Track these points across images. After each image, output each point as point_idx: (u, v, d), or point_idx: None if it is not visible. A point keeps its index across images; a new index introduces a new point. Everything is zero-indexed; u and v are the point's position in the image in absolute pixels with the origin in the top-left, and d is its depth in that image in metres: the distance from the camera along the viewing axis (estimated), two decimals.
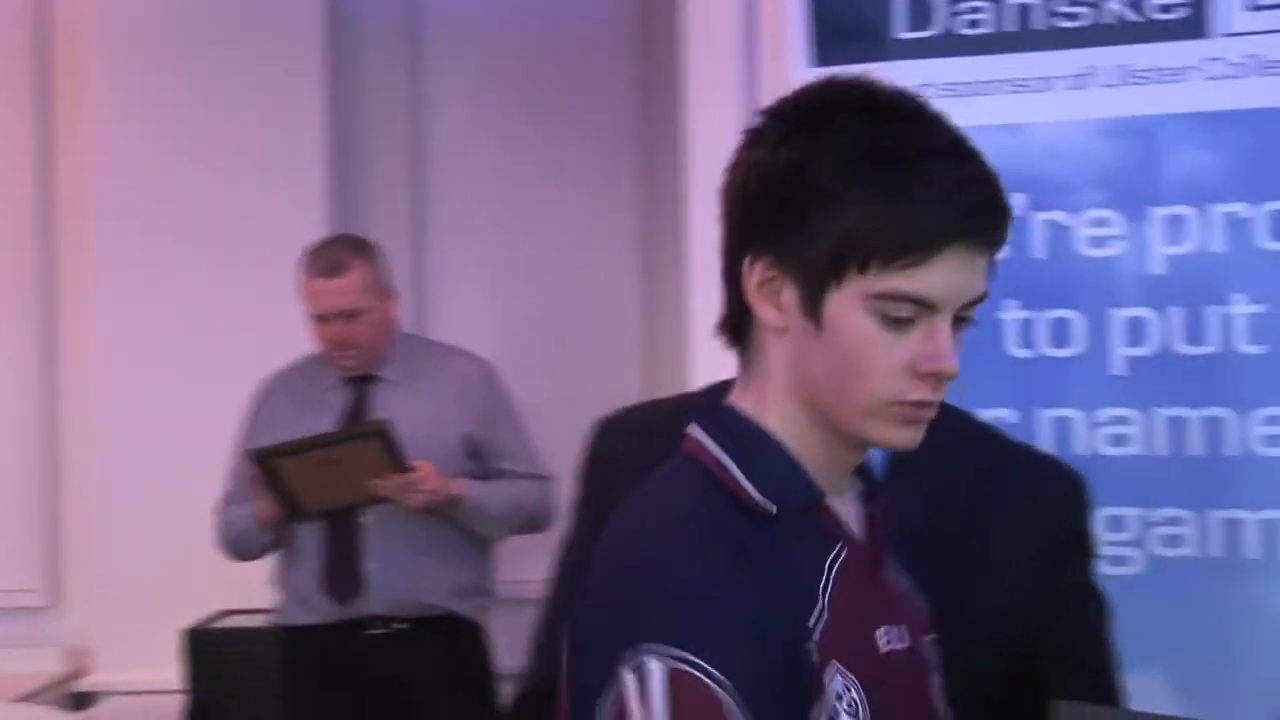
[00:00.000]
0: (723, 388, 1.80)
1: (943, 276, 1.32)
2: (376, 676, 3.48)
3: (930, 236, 1.31)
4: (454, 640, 3.57)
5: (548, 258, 4.50)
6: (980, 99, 2.38)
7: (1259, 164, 2.26)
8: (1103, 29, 2.32)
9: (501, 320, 4.48)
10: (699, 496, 1.38)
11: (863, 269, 1.32)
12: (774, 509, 1.36)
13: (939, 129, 1.36)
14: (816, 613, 1.33)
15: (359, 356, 3.53)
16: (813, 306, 1.35)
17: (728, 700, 1.27)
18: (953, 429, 1.61)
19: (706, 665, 1.27)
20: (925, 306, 1.33)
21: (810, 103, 1.39)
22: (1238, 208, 2.26)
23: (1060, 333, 2.33)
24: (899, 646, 1.39)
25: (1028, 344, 2.35)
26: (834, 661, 1.32)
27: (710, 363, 1.81)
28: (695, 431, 1.44)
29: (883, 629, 1.38)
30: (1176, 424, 2.28)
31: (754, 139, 1.39)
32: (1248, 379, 2.25)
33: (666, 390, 2.55)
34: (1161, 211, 2.30)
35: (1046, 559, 1.62)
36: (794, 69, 2.50)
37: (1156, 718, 1.42)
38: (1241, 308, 2.26)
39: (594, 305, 4.54)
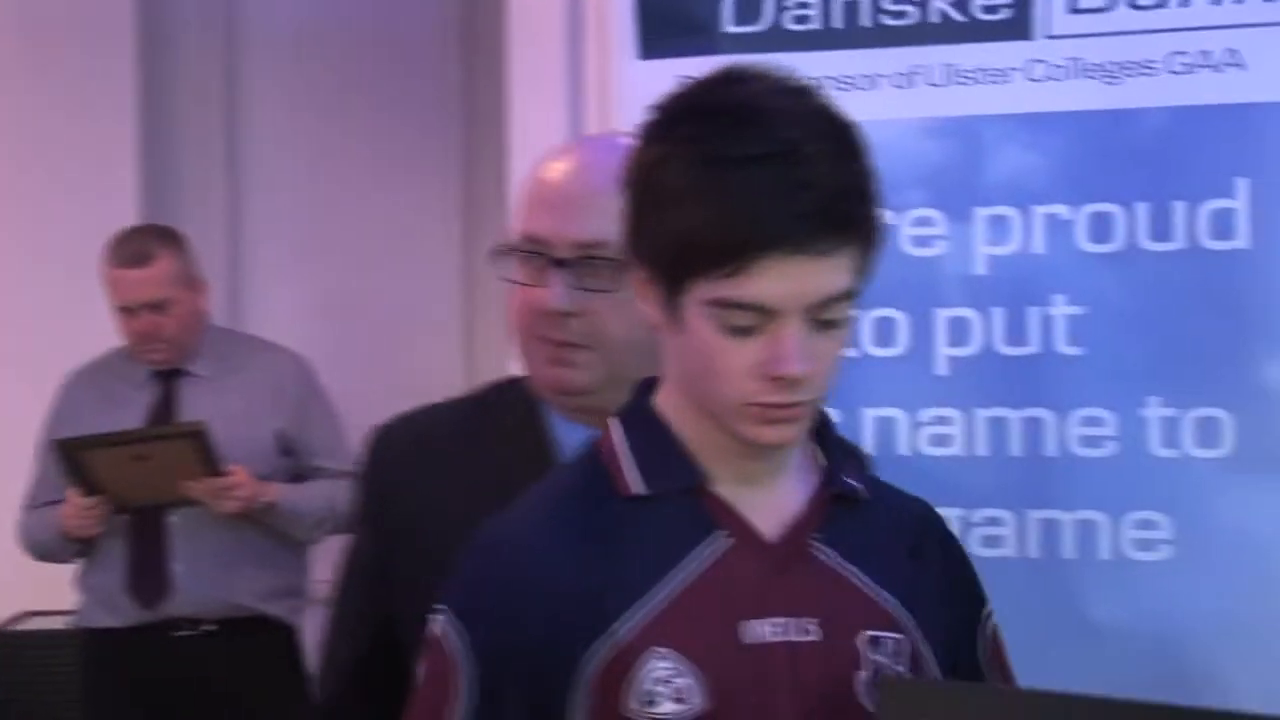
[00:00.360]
0: (503, 386, 1.78)
1: (772, 282, 1.32)
2: (183, 680, 3.40)
3: (745, 244, 1.31)
4: (265, 642, 3.48)
5: (367, 253, 4.45)
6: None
7: (1080, 166, 2.27)
8: (928, 28, 2.32)
9: (318, 315, 4.40)
10: (575, 475, 1.46)
11: (697, 276, 1.34)
12: (645, 490, 1.41)
13: (779, 132, 1.33)
14: (647, 598, 1.36)
15: (167, 350, 3.43)
16: (671, 309, 1.37)
17: (459, 664, 1.38)
18: None
19: (457, 629, 1.39)
20: (763, 312, 1.33)
21: (674, 101, 1.40)
22: (1059, 209, 2.27)
23: (883, 332, 2.33)
24: (787, 639, 1.38)
25: (851, 343, 2.33)
26: (656, 647, 1.35)
27: None
28: (611, 418, 1.48)
29: (759, 621, 1.37)
30: (997, 424, 2.29)
31: (640, 135, 1.41)
32: (1067, 380, 2.27)
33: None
34: (984, 212, 2.30)
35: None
36: (622, 63, 2.46)
37: (988, 689, 1.40)
38: (1061, 309, 2.27)
39: (414, 300, 4.49)
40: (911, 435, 2.31)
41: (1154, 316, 2.24)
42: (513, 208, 1.79)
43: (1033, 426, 2.27)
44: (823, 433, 1.48)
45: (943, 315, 2.31)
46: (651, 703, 1.35)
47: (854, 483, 1.46)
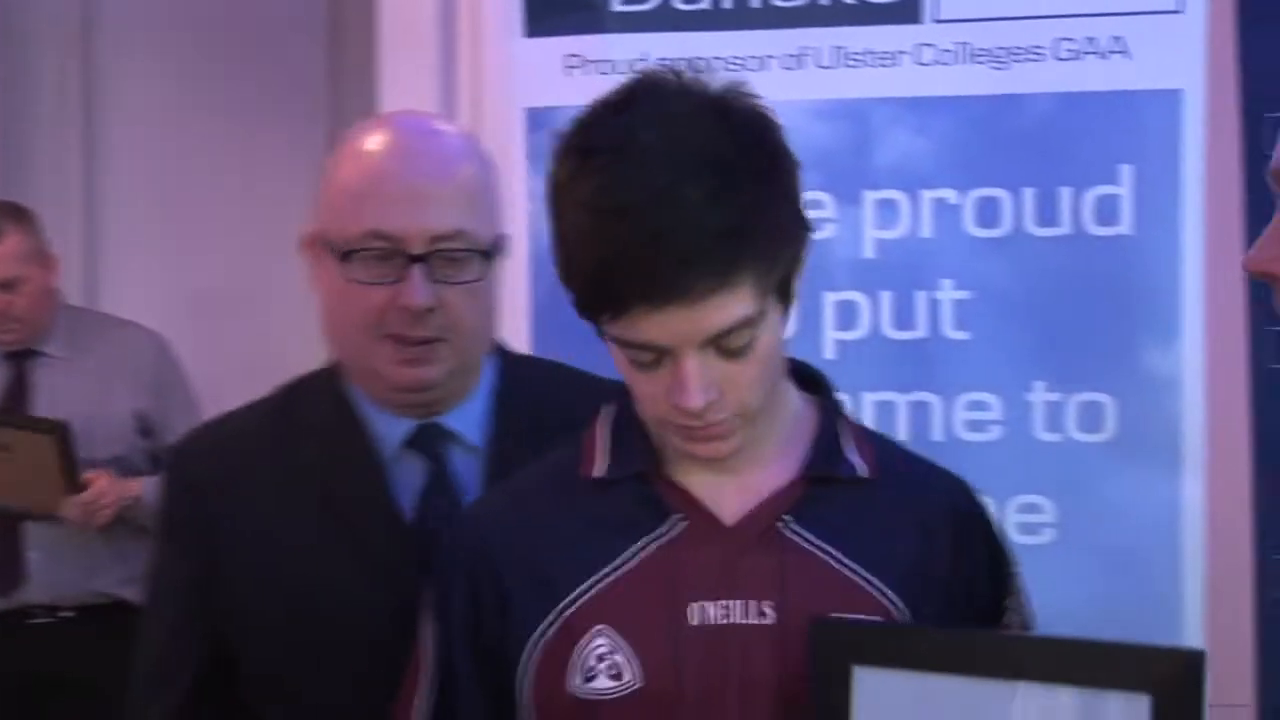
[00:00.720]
0: (303, 384, 1.75)
1: (655, 327, 1.32)
2: (40, 667, 3.28)
3: (620, 296, 1.32)
4: (124, 628, 3.36)
5: (227, 235, 4.34)
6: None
7: (968, 151, 2.28)
8: (818, 10, 2.31)
9: (177, 296, 4.29)
10: (557, 458, 1.51)
11: (591, 316, 1.35)
12: (605, 473, 1.45)
13: (651, 177, 1.30)
14: (595, 578, 1.41)
15: (18, 330, 3.31)
16: (598, 331, 1.38)
17: (428, 648, 1.49)
18: (551, 377, 1.78)
19: (430, 613, 1.49)
20: (658, 349, 1.33)
21: (572, 129, 1.37)
22: (947, 194, 2.28)
23: None
24: (736, 622, 1.39)
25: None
26: (600, 625, 1.40)
27: None
28: (603, 407, 1.51)
29: (710, 604, 1.39)
30: (884, 408, 2.30)
31: (552, 155, 1.39)
32: (953, 364, 2.28)
33: None
34: (873, 195, 2.30)
35: None
36: (508, 41, 2.42)
37: (922, 629, 1.40)
38: (949, 293, 2.28)
39: (273, 281, 4.38)
40: None
41: (1040, 302, 2.26)
42: (333, 203, 1.66)
43: (919, 410, 2.28)
44: (823, 416, 1.47)
45: (831, 298, 2.31)
46: (590, 679, 1.38)
47: (854, 463, 1.45)
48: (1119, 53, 2.24)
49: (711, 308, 1.31)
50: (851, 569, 1.42)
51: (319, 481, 1.69)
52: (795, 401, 1.48)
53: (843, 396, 2.23)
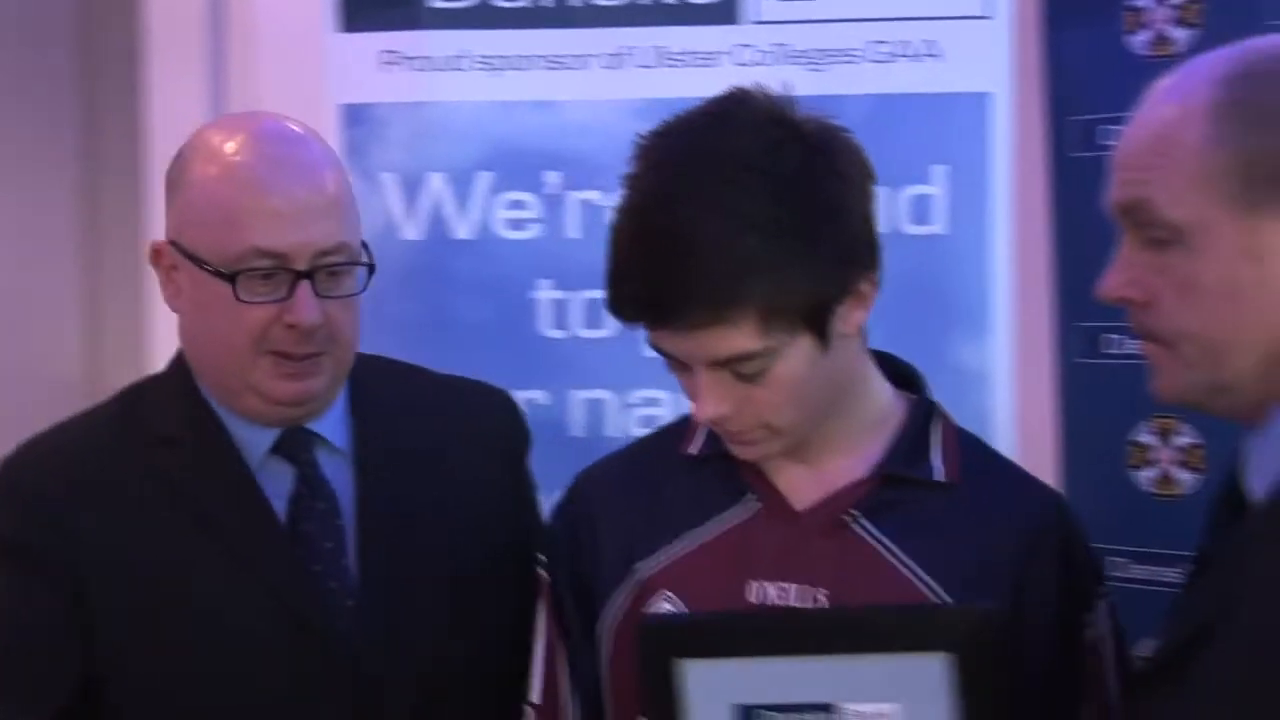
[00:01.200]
0: (140, 394, 1.73)
1: (663, 340, 1.43)
2: None
3: (618, 310, 1.44)
4: None
5: None
6: (515, 74, 2.34)
7: None
8: (638, 9, 2.32)
9: None
10: (662, 432, 1.65)
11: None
12: (697, 452, 1.55)
13: (648, 199, 1.41)
14: (670, 545, 1.52)
15: None
16: None
17: (547, 580, 1.60)
18: (391, 374, 1.82)
19: (542, 556, 1.62)
20: (679, 360, 1.44)
21: (639, 143, 1.50)
22: None
23: (594, 314, 2.32)
24: (791, 604, 1.47)
25: (561, 325, 2.33)
26: (664, 590, 1.50)
27: (170, 345, 1.75)
28: None
29: (768, 583, 1.47)
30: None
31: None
32: None
33: (113, 375, 2.62)
34: None
35: (512, 468, 1.84)
36: (323, 36, 2.38)
37: (743, 617, 1.45)
38: None
39: (28, 291, 4.25)
40: (621, 416, 2.32)
41: None
42: (204, 218, 1.63)
43: None
44: (912, 415, 1.54)
45: None
46: None
47: (935, 466, 1.51)
48: (931, 56, 2.29)
49: (711, 338, 1.39)
50: (912, 570, 1.47)
51: (186, 494, 1.64)
52: (883, 397, 1.56)
53: (664, 394, 2.31)
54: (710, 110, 1.47)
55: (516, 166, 2.32)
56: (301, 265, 1.61)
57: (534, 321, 2.32)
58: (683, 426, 1.61)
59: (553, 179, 2.32)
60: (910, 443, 1.53)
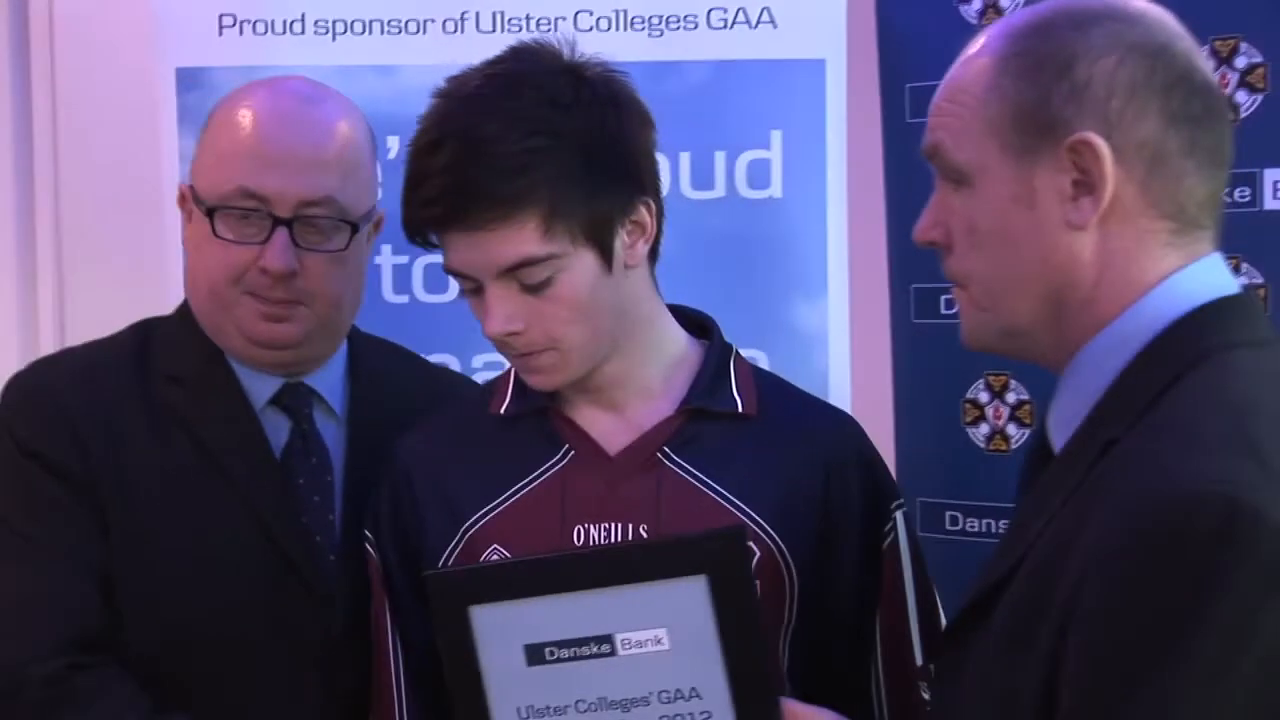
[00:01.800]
0: (145, 330, 1.78)
1: (454, 253, 1.50)
2: None
3: (411, 227, 1.52)
4: None
5: None
6: (354, 38, 2.33)
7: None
8: None
9: None
10: (474, 396, 1.71)
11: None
12: (507, 411, 1.61)
13: (441, 117, 1.50)
14: (495, 501, 1.57)
15: None
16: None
17: (372, 555, 1.64)
18: (389, 354, 1.89)
19: (367, 530, 1.65)
20: (467, 278, 1.51)
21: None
22: None
23: (436, 279, 2.32)
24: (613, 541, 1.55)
25: (404, 290, 2.32)
26: (494, 544, 1.56)
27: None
28: None
29: (592, 526, 1.55)
30: None
31: None
32: None
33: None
34: None
35: None
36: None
37: (523, 562, 1.50)
38: None
39: None
40: None
41: (695, 262, 2.32)
42: (205, 160, 1.70)
43: None
44: (707, 356, 1.61)
45: None
46: None
47: (735, 399, 1.59)
48: (767, 23, 2.33)
49: (495, 240, 1.47)
50: (725, 497, 1.56)
51: (190, 429, 1.69)
52: (680, 342, 1.63)
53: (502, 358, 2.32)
54: (499, 56, 1.57)
55: None
56: (283, 212, 1.65)
57: (376, 286, 2.31)
58: (489, 389, 1.68)
59: (393, 144, 2.31)
60: (710, 380, 1.61)
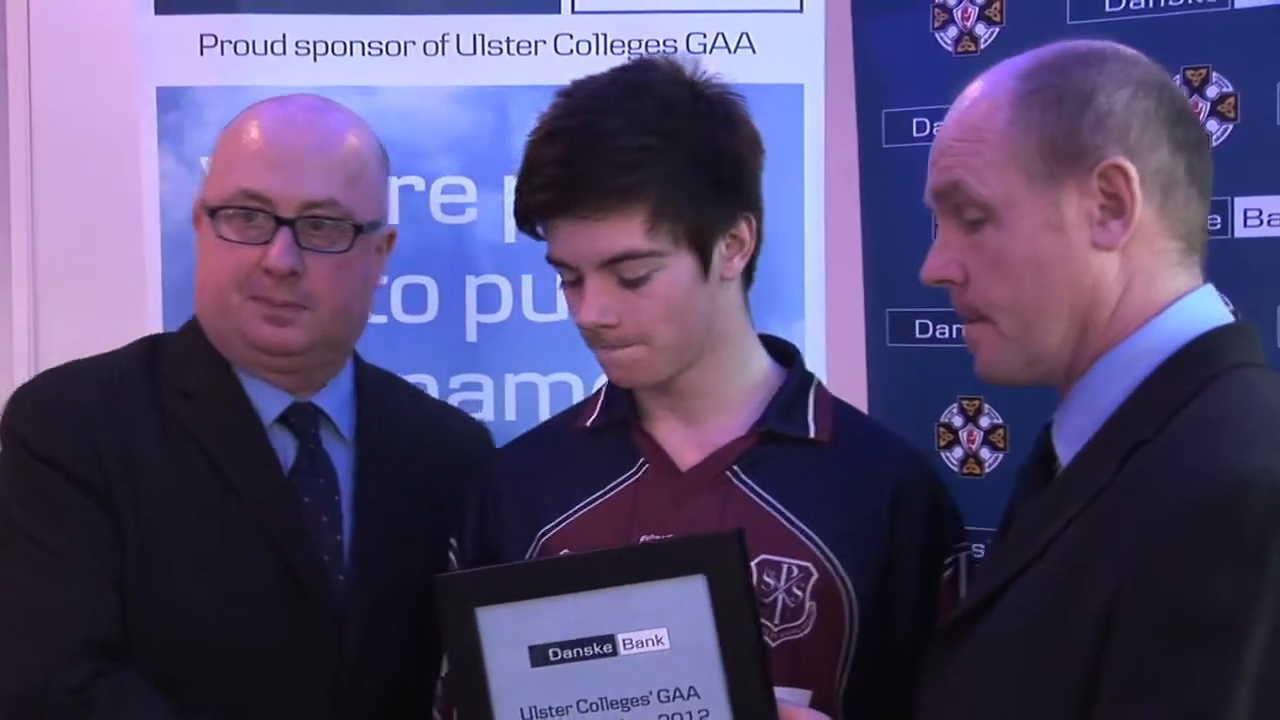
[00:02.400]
0: (155, 344, 1.80)
1: (558, 243, 1.58)
2: None
3: (521, 215, 1.61)
4: None
5: None
6: (334, 59, 2.33)
7: None
8: None
9: None
10: (568, 410, 1.80)
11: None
12: (592, 425, 1.70)
13: (562, 112, 1.58)
14: (571, 510, 1.64)
15: None
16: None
17: (453, 561, 1.70)
18: (392, 385, 1.92)
19: (451, 539, 1.72)
20: (569, 268, 1.58)
21: None
22: None
23: (414, 299, 2.33)
24: None
25: (383, 310, 2.33)
26: (566, 549, 1.61)
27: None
28: None
29: (655, 535, 1.59)
30: (526, 390, 2.34)
31: None
32: None
33: None
34: (514, 181, 2.31)
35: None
36: (134, 17, 2.35)
37: (530, 565, 1.56)
38: None
39: None
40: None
41: None
42: (215, 167, 1.74)
43: (561, 391, 2.33)
44: (788, 381, 1.67)
45: (473, 282, 2.34)
46: None
47: (808, 424, 1.64)
48: (746, 48, 2.34)
49: (602, 230, 1.54)
50: (789, 519, 1.60)
51: (201, 445, 1.69)
52: (763, 366, 1.69)
53: (485, 379, 2.33)
54: (625, 65, 1.66)
55: None
56: (287, 212, 1.66)
57: None
58: (582, 406, 1.75)
59: None
60: (786, 404, 1.66)
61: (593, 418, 1.71)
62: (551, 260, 1.61)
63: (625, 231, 1.54)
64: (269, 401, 1.73)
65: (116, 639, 1.63)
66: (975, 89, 1.38)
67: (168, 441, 1.68)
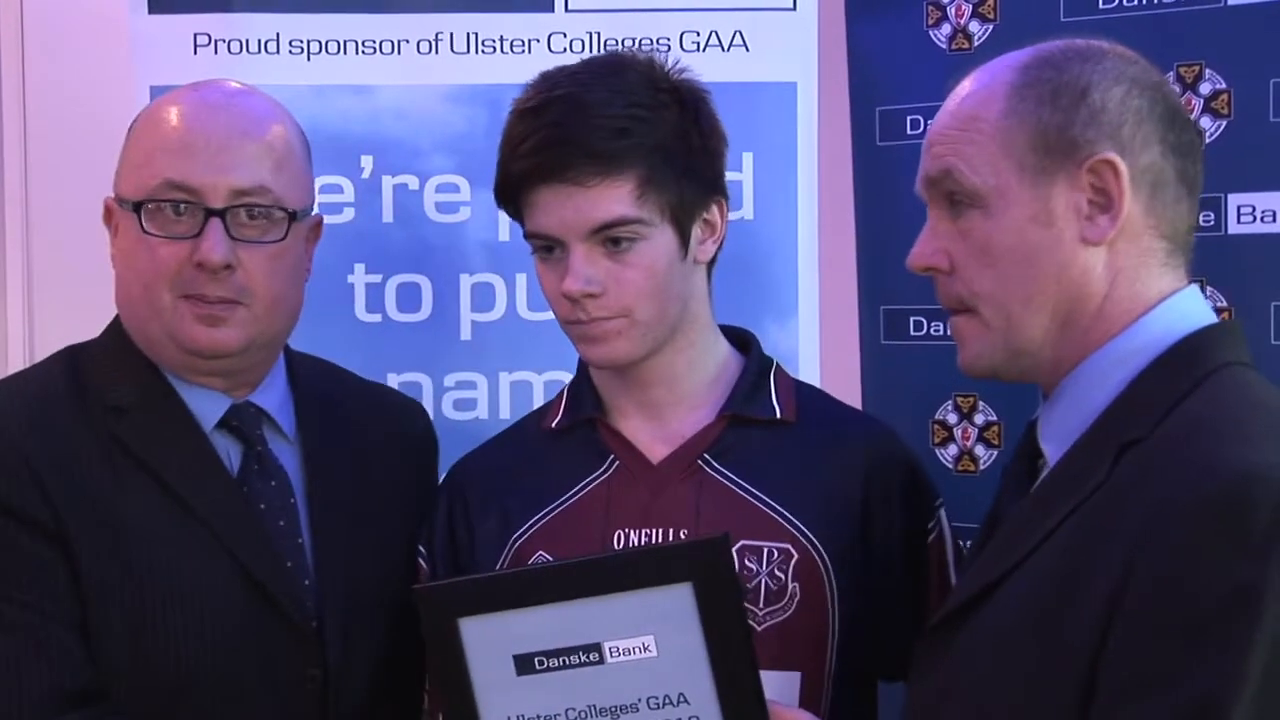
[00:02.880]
0: (73, 356, 1.69)
1: (542, 214, 1.57)
2: None
3: (506, 184, 1.60)
4: None
5: None
6: (328, 58, 2.33)
7: None
8: None
9: None
10: (528, 417, 1.79)
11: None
12: (558, 425, 1.70)
13: (545, 88, 1.60)
14: (542, 512, 1.64)
15: None
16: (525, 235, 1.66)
17: (424, 567, 1.70)
18: (326, 374, 1.85)
19: (420, 545, 1.72)
20: (553, 240, 1.58)
21: None
22: None
23: (409, 298, 2.33)
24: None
25: (377, 308, 2.33)
26: (540, 552, 1.62)
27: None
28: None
29: (634, 532, 1.61)
30: (521, 388, 2.34)
31: None
32: None
33: None
34: None
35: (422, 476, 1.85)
36: (128, 16, 2.35)
37: (511, 574, 1.55)
38: None
39: None
40: (436, 399, 2.33)
41: None
42: (130, 160, 1.64)
43: (555, 390, 2.30)
44: (748, 366, 1.69)
45: (467, 281, 2.34)
46: None
47: (773, 406, 1.66)
48: (739, 46, 2.35)
49: (593, 196, 1.55)
50: (764, 502, 1.61)
51: (146, 463, 1.61)
52: (723, 354, 1.70)
53: (479, 377, 2.33)
54: (593, 56, 1.74)
55: (331, 151, 2.30)
56: (216, 203, 1.59)
57: (350, 305, 2.32)
58: (545, 409, 1.75)
59: (367, 163, 2.32)
60: (749, 388, 1.67)
61: (558, 419, 1.71)
62: (532, 233, 1.61)
63: (615, 199, 1.55)
64: (207, 406, 1.65)
65: (90, 684, 1.56)
66: (973, 79, 1.38)
67: (109, 464, 1.60)
